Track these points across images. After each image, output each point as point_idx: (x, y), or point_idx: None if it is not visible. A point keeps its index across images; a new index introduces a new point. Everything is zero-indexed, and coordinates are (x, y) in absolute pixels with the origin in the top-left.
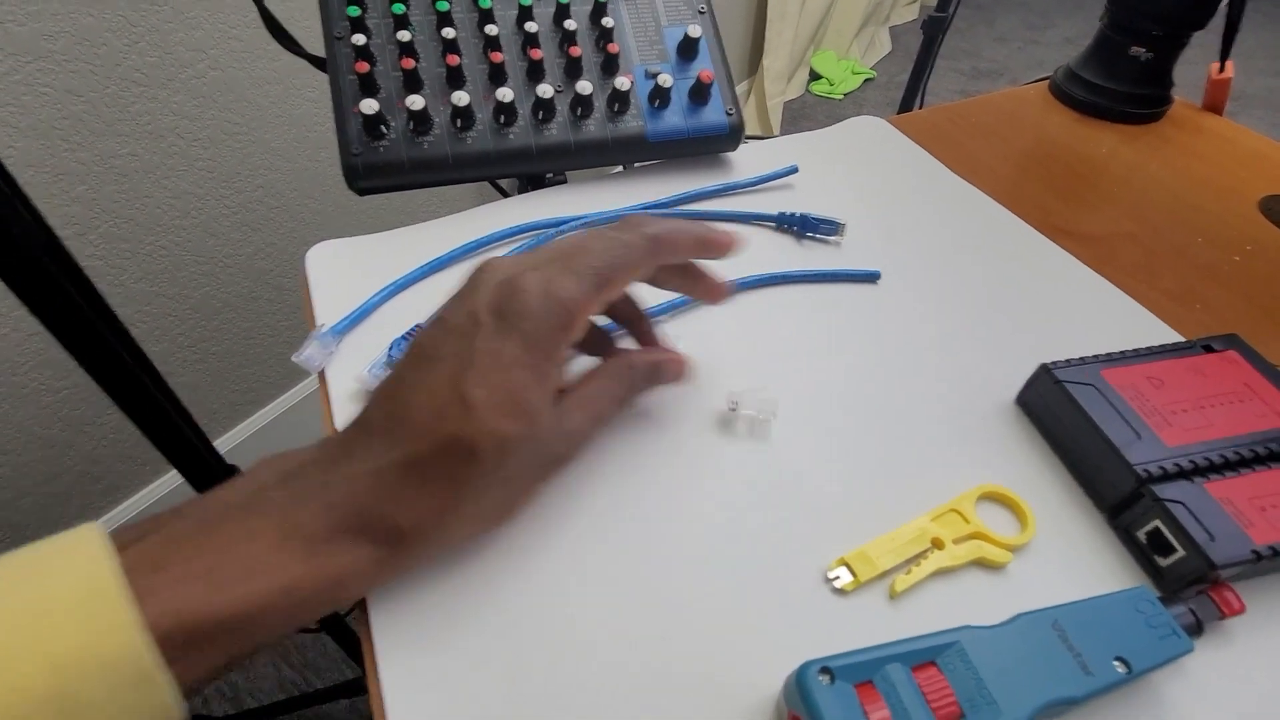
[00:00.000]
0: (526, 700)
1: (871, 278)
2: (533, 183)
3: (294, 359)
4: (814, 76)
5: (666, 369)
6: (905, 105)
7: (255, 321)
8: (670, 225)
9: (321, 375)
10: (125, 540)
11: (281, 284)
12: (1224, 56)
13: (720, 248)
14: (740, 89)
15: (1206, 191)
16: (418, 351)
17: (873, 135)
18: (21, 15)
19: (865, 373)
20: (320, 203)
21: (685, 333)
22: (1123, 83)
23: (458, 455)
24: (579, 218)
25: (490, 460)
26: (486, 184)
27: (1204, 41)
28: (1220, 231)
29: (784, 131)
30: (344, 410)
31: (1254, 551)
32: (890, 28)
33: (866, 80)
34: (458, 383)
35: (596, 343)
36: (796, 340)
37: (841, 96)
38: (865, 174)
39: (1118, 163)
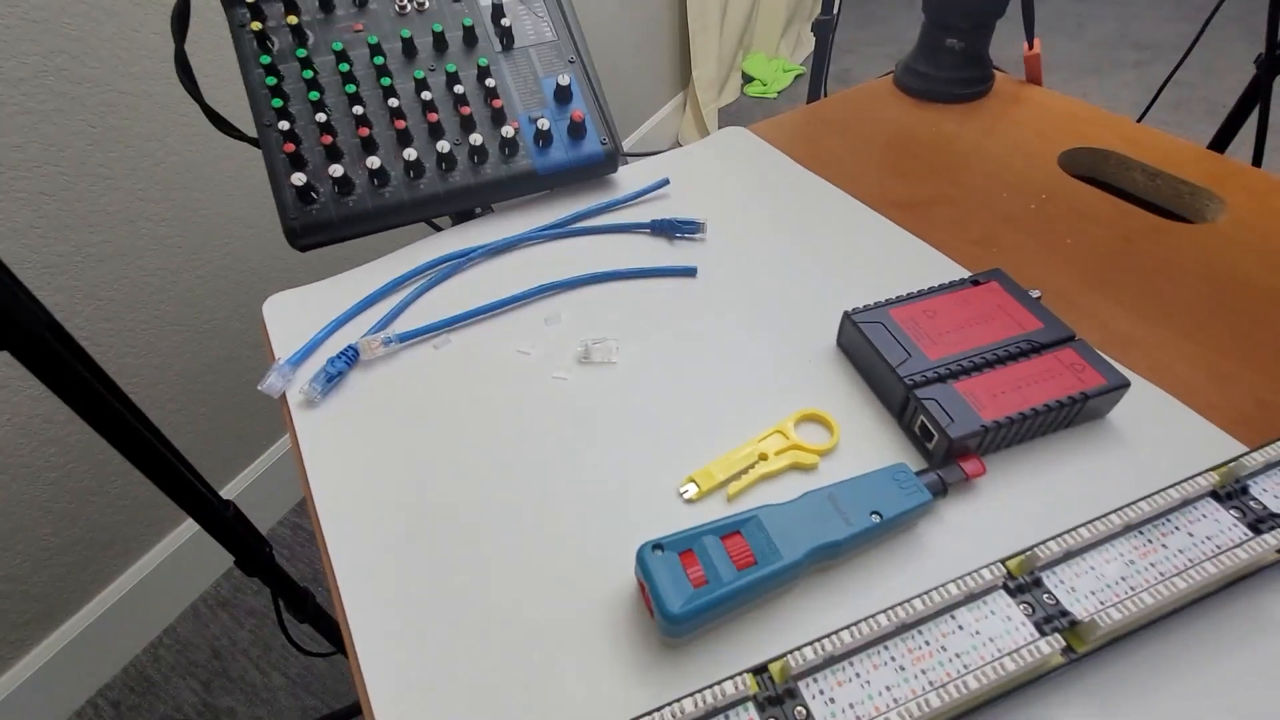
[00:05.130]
0: (448, 604)
1: (690, 272)
2: (462, 215)
3: (259, 387)
4: (747, 79)
5: None
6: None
7: (236, 380)
8: None
9: (283, 398)
10: None
11: (257, 341)
12: (1029, 37)
13: None
14: (675, 101)
15: (1016, 153)
16: None
17: (737, 144)
18: None
19: (716, 336)
20: (285, 261)
21: (567, 308)
22: (945, 69)
23: None
24: (483, 246)
25: None
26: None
27: (1051, 20)
28: (1022, 185)
29: None
30: (304, 421)
31: (982, 426)
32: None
33: (797, 76)
34: None
35: None
36: (659, 311)
37: (776, 95)
38: (729, 178)
39: (946, 138)
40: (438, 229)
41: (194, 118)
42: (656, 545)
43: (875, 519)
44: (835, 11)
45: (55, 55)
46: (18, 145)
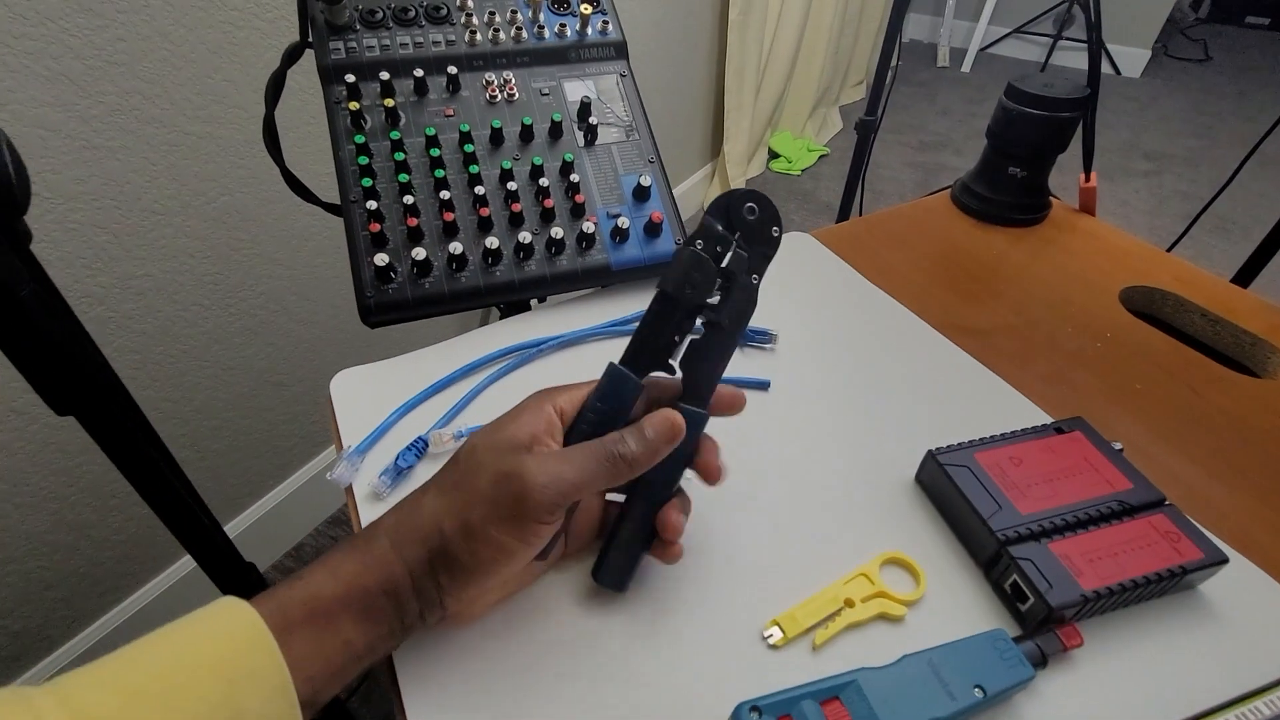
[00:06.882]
0: None
1: (763, 386)
2: (515, 305)
3: (328, 477)
4: (773, 155)
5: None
6: (847, 197)
7: (254, 419)
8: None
9: (349, 489)
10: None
11: (279, 380)
12: (1087, 169)
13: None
14: (704, 171)
15: (1076, 285)
16: None
17: (802, 250)
18: (58, 164)
19: (791, 460)
20: (315, 304)
21: None
22: (1005, 194)
23: None
24: (556, 337)
25: None
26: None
27: (1112, 144)
28: (1086, 321)
29: None
30: (370, 516)
31: (1082, 595)
32: (840, 107)
33: (821, 157)
34: None
35: None
36: (732, 427)
37: (800, 172)
38: (796, 286)
39: (1005, 262)
40: (500, 310)
41: (249, 161)
42: (754, 707)
43: (979, 694)
44: (879, 114)
45: (130, 96)
46: (81, 179)
